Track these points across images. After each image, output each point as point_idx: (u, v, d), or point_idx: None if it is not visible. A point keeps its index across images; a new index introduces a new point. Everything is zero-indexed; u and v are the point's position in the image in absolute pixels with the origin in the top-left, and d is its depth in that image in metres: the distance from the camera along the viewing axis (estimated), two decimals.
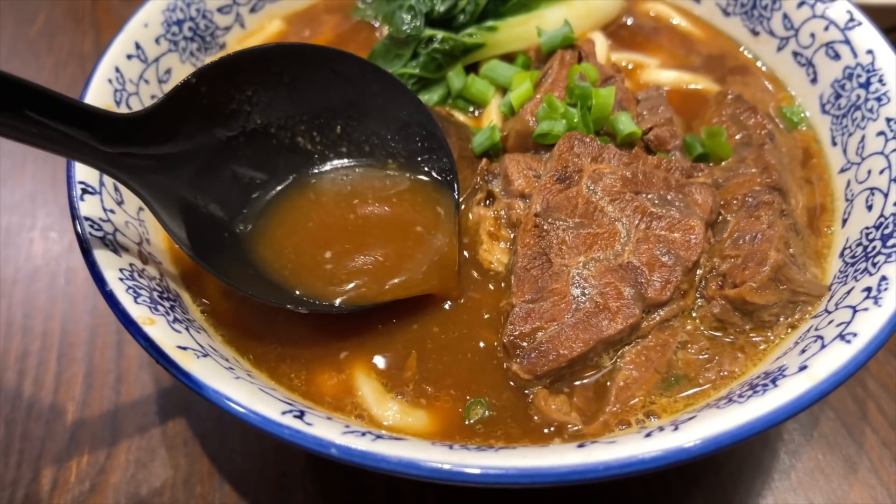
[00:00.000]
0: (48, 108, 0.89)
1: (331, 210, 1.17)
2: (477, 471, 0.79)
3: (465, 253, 1.17)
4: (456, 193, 1.19)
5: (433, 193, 1.20)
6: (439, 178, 1.21)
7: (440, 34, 1.40)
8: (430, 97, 1.41)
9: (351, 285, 1.09)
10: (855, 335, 0.90)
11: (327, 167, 1.22)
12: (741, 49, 1.54)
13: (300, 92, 1.17)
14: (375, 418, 0.99)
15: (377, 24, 1.58)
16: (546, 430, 0.98)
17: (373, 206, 1.18)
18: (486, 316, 1.10)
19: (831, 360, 0.88)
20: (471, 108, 1.40)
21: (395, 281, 1.09)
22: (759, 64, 1.50)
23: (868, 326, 0.91)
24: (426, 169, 1.22)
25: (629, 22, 1.60)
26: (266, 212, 1.17)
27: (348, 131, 1.23)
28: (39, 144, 0.91)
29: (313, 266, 1.11)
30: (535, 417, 0.98)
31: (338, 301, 1.07)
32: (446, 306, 1.11)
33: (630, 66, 1.50)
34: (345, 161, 1.23)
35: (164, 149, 1.04)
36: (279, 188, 1.19)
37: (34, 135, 0.89)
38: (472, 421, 0.99)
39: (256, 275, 1.09)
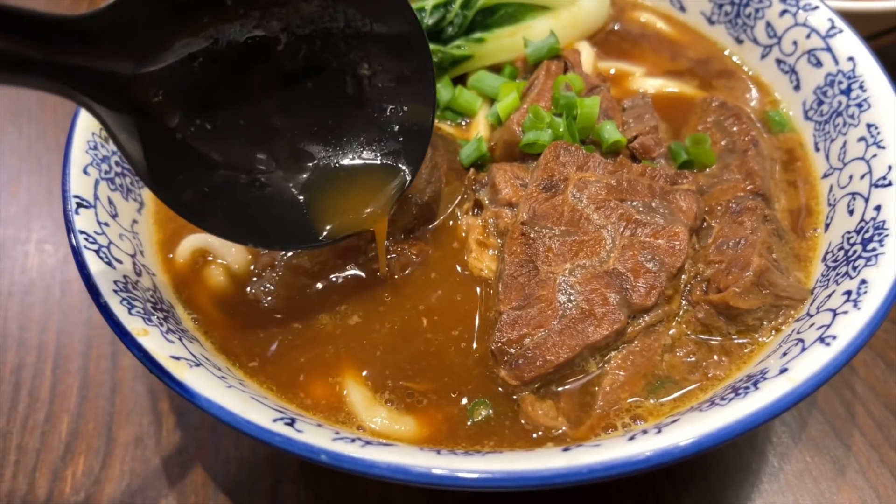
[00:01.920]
0: None
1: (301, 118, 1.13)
2: (464, 475, 0.81)
3: (459, 268, 1.19)
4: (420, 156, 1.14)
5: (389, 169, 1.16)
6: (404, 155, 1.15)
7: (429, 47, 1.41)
8: None
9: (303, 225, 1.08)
10: (834, 338, 0.92)
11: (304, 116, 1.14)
12: (725, 52, 1.56)
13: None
14: (365, 425, 1.01)
15: None
16: (534, 435, 0.99)
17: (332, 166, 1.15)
18: (476, 322, 1.11)
19: (811, 363, 0.90)
20: (458, 120, 1.42)
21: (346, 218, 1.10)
22: (745, 68, 1.53)
23: (847, 329, 0.92)
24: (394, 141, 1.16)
25: (616, 30, 1.62)
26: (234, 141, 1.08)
27: (341, 68, 1.13)
28: None
29: (278, 204, 1.10)
30: (523, 422, 1.00)
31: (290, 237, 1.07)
32: (436, 317, 1.12)
33: (616, 74, 1.52)
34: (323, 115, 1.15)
35: (126, 54, 0.92)
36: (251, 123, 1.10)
37: None
38: (475, 420, 1.01)
39: (217, 209, 1.04)
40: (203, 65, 1.02)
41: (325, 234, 1.11)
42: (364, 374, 1.07)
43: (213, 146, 1.06)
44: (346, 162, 1.17)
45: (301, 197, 1.13)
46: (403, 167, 1.15)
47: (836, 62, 1.31)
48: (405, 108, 1.15)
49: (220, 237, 1.08)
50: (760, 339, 1.07)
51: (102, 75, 0.90)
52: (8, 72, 0.80)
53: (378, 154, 1.17)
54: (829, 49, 1.34)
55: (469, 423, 1.01)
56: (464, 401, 1.03)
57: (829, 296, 1.03)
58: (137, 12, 0.90)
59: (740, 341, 1.07)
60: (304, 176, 1.14)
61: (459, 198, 1.26)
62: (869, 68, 1.26)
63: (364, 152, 1.17)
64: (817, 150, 1.31)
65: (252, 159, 1.11)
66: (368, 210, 1.12)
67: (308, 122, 1.15)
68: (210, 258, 1.20)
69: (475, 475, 0.80)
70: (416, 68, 1.12)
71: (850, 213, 1.15)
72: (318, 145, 1.16)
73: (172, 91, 0.99)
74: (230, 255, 1.19)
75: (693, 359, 1.06)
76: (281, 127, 1.13)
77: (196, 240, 1.20)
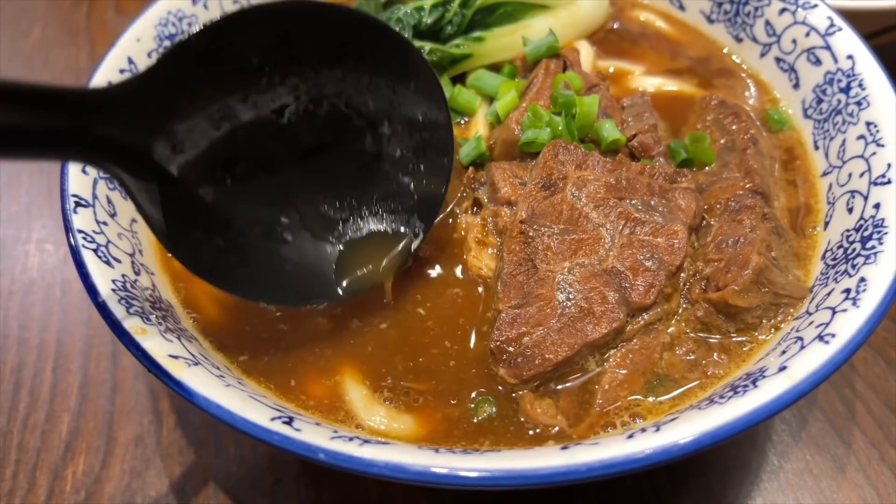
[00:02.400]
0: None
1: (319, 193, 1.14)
2: (462, 473, 0.80)
3: (458, 266, 1.19)
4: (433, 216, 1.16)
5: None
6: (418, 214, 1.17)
7: (428, 46, 1.42)
8: None
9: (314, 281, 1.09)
10: (833, 336, 0.92)
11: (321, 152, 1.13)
12: (724, 51, 1.56)
13: (318, 66, 1.05)
14: (364, 423, 1.01)
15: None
16: (532, 433, 0.99)
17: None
18: (475, 321, 1.11)
19: (810, 361, 0.89)
20: (457, 119, 1.42)
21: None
22: (744, 67, 1.52)
23: (846, 327, 0.92)
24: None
25: (615, 29, 1.62)
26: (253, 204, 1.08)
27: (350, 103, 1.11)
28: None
29: (293, 260, 1.11)
30: (522, 420, 1.00)
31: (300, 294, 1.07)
32: (435, 316, 1.13)
33: (615, 73, 1.52)
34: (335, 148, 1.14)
35: (148, 124, 0.92)
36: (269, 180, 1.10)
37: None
38: (480, 418, 1.01)
39: (230, 267, 1.04)
40: (227, 131, 1.02)
41: (341, 291, 1.12)
42: (362, 372, 1.07)
43: (232, 208, 1.06)
44: (362, 220, 1.18)
45: (318, 255, 1.14)
46: (417, 225, 1.17)
47: (836, 60, 1.31)
48: (423, 170, 1.16)
49: (235, 296, 1.06)
50: (759, 338, 1.07)
51: (127, 144, 0.90)
52: (32, 148, 0.82)
53: (394, 212, 1.18)
54: (828, 47, 1.33)
55: (474, 421, 1.01)
56: (455, 400, 1.03)
57: (829, 294, 1.03)
58: (163, 84, 0.91)
59: (739, 339, 1.07)
60: (322, 234, 1.15)
61: (458, 196, 1.26)
62: (868, 66, 1.26)
63: (381, 211, 1.18)
64: (816, 148, 1.31)
65: (272, 220, 1.11)
66: (383, 265, 1.14)
67: (327, 182, 1.15)
68: None
69: (474, 474, 0.80)
70: (436, 133, 1.14)
71: (850, 211, 1.15)
72: (336, 204, 1.16)
73: (195, 156, 1.00)
74: None
75: (692, 357, 1.06)
76: (300, 187, 1.13)
77: None
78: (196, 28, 0.93)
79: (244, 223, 1.08)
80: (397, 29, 1.43)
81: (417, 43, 1.42)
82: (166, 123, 0.95)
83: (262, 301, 1.11)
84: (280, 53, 1.02)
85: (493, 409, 1.02)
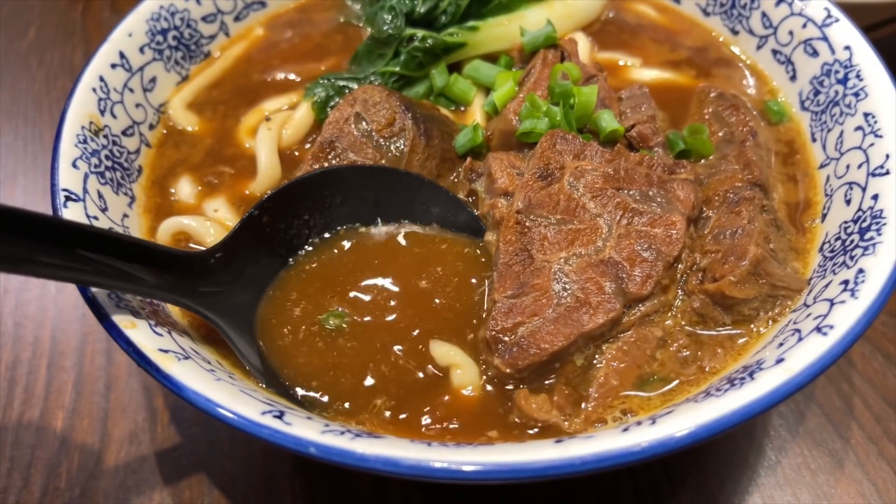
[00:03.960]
0: (129, 254, 0.95)
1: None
2: (455, 467, 0.79)
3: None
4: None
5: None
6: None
7: (421, 32, 1.41)
8: (411, 93, 1.42)
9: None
10: (831, 328, 0.91)
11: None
12: (721, 39, 1.55)
13: (352, 207, 1.20)
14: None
15: (361, 26, 1.59)
16: (528, 430, 0.98)
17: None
18: (472, 311, 1.10)
19: (807, 353, 0.88)
20: (453, 107, 1.41)
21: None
22: (741, 55, 1.51)
23: (844, 319, 0.91)
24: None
25: (611, 20, 1.61)
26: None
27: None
28: (121, 288, 0.96)
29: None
30: (516, 417, 0.99)
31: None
32: (432, 305, 1.11)
33: (613, 65, 1.51)
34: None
35: (234, 277, 1.08)
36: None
37: (120, 279, 0.94)
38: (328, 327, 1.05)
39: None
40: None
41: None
42: (360, 362, 1.05)
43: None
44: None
45: None
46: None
47: (833, 51, 1.30)
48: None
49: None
50: (756, 330, 1.06)
51: (221, 293, 1.06)
52: (159, 296, 1.00)
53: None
54: (825, 38, 1.32)
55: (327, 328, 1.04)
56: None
57: (827, 286, 1.02)
58: (240, 246, 1.09)
59: (736, 332, 1.06)
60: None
61: (452, 181, 1.26)
62: (866, 57, 1.25)
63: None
64: (814, 140, 1.30)
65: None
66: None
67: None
68: (191, 244, 1.21)
69: (467, 467, 0.79)
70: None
71: (848, 202, 1.14)
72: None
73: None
74: (209, 237, 1.19)
75: (688, 350, 1.05)
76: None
77: (174, 222, 1.21)
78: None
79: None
80: (389, 17, 1.42)
81: (410, 30, 1.41)
82: (251, 274, 1.12)
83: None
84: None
85: (343, 322, 1.04)
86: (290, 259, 1.16)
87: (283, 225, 1.15)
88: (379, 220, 1.21)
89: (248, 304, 1.10)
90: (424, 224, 1.21)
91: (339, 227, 1.20)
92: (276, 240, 1.15)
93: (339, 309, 1.10)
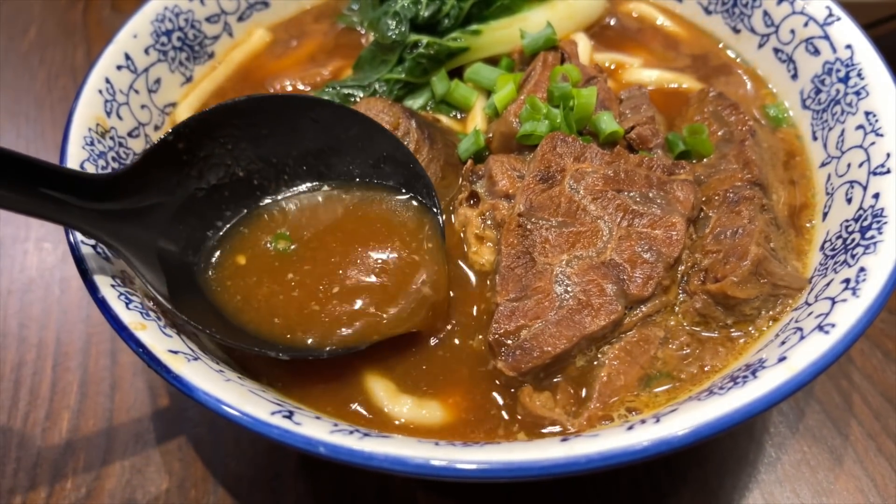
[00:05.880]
0: (23, 174, 0.91)
1: (308, 244, 1.15)
2: (462, 465, 0.80)
3: (454, 252, 1.19)
4: (440, 219, 1.16)
5: (415, 223, 1.17)
6: (421, 202, 1.19)
7: (425, 39, 1.41)
8: (414, 102, 1.43)
9: (339, 329, 1.05)
10: (833, 326, 0.92)
11: (303, 198, 1.21)
12: (720, 45, 1.56)
13: (279, 140, 1.17)
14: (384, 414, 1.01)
15: (363, 31, 1.60)
16: (533, 427, 0.99)
17: (352, 237, 1.15)
18: (475, 315, 1.11)
19: (810, 351, 0.89)
20: (453, 113, 1.42)
21: (384, 318, 1.06)
22: (740, 62, 1.52)
23: (846, 317, 0.92)
24: (406, 196, 1.20)
25: (612, 22, 1.62)
26: (241, 252, 1.15)
27: (327, 172, 1.22)
28: (13, 209, 0.92)
29: (294, 308, 1.08)
30: (521, 414, 1.00)
31: (317, 343, 1.04)
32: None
33: (613, 67, 1.52)
34: (322, 190, 1.22)
35: (142, 203, 1.05)
36: (255, 226, 1.18)
37: (9, 201, 0.91)
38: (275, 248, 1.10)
39: (240, 324, 1.07)
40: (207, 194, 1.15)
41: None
42: (365, 368, 1.06)
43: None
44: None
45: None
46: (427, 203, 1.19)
47: (834, 50, 1.31)
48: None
49: (244, 350, 1.05)
50: (758, 329, 1.07)
51: (125, 220, 1.03)
52: (55, 219, 0.96)
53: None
54: (826, 37, 1.33)
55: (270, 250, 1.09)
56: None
57: (828, 284, 1.03)
58: (150, 171, 1.06)
59: (737, 332, 1.07)
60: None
61: (455, 192, 1.25)
62: (867, 56, 1.26)
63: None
64: (815, 139, 1.31)
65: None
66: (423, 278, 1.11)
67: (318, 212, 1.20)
68: None
69: (473, 466, 0.80)
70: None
71: (849, 201, 1.14)
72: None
73: (181, 222, 1.12)
74: None
75: (689, 349, 1.06)
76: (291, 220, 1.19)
77: None
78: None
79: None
80: (394, 23, 1.42)
81: (414, 36, 1.42)
82: (156, 198, 1.08)
83: (280, 354, 1.04)
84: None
85: (291, 246, 1.08)
86: (205, 184, 1.13)
87: (202, 153, 1.11)
88: (307, 156, 1.18)
89: (159, 233, 1.07)
90: (350, 168, 1.19)
91: (271, 159, 1.17)
92: (196, 169, 1.11)
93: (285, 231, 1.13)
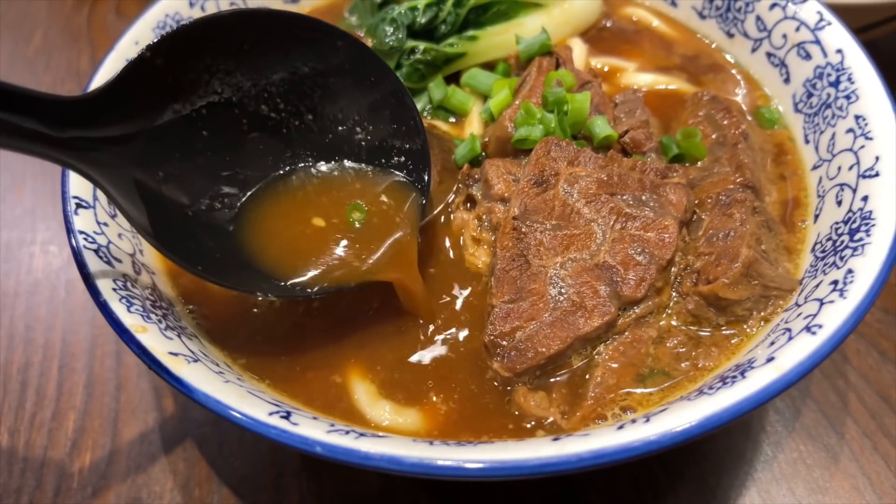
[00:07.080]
0: None
1: (294, 195, 1.17)
2: (456, 464, 0.82)
3: (451, 254, 1.21)
4: (426, 178, 1.18)
5: (399, 186, 1.19)
6: (408, 172, 1.20)
7: (422, 45, 1.44)
8: None
9: (312, 271, 1.09)
10: (820, 327, 0.93)
11: (295, 153, 1.20)
12: (713, 45, 1.57)
13: (262, 59, 1.10)
14: (368, 420, 1.02)
15: (361, 37, 1.62)
16: (527, 426, 1.01)
17: (335, 197, 1.18)
18: (472, 316, 1.13)
19: (797, 352, 0.91)
20: (451, 118, 1.44)
21: (356, 265, 1.10)
22: (734, 63, 1.53)
23: (833, 318, 0.94)
24: (396, 160, 1.21)
25: (608, 26, 1.63)
26: (228, 190, 1.14)
27: (315, 104, 1.18)
28: None
29: (277, 249, 1.11)
30: (516, 413, 1.02)
31: (296, 284, 1.07)
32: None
33: (608, 70, 1.53)
34: (312, 149, 1.21)
35: (118, 129, 0.98)
36: (243, 168, 1.16)
37: None
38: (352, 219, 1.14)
39: (221, 259, 1.07)
40: (188, 123, 1.10)
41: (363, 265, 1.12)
42: (362, 370, 1.08)
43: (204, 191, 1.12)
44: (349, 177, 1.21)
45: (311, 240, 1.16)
46: (412, 181, 1.19)
47: (825, 54, 1.32)
48: (395, 128, 1.21)
49: (229, 287, 1.07)
50: (749, 330, 1.08)
51: (100, 147, 0.97)
52: (21, 143, 0.89)
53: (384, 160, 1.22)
54: (818, 42, 1.35)
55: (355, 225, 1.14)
56: (457, 394, 1.05)
57: (817, 286, 1.04)
58: (126, 92, 0.99)
59: (729, 332, 1.09)
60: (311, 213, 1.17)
61: (452, 196, 1.27)
62: (857, 60, 1.27)
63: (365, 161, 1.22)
64: (807, 142, 1.32)
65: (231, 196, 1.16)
66: (394, 238, 1.14)
67: (299, 152, 1.21)
68: None
69: (467, 465, 0.82)
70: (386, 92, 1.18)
71: (839, 203, 1.16)
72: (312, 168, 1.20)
73: (162, 151, 1.06)
74: None
75: (683, 350, 1.07)
76: (271, 163, 1.19)
77: None
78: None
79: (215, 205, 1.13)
80: (391, 30, 1.44)
81: (412, 42, 1.44)
82: (131, 126, 1.01)
83: (255, 291, 1.07)
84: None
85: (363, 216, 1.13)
86: (187, 108, 1.06)
87: (183, 72, 1.04)
88: (298, 83, 1.14)
89: (138, 161, 1.01)
90: (336, 93, 1.16)
91: (258, 82, 1.12)
92: (177, 91, 1.04)
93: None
